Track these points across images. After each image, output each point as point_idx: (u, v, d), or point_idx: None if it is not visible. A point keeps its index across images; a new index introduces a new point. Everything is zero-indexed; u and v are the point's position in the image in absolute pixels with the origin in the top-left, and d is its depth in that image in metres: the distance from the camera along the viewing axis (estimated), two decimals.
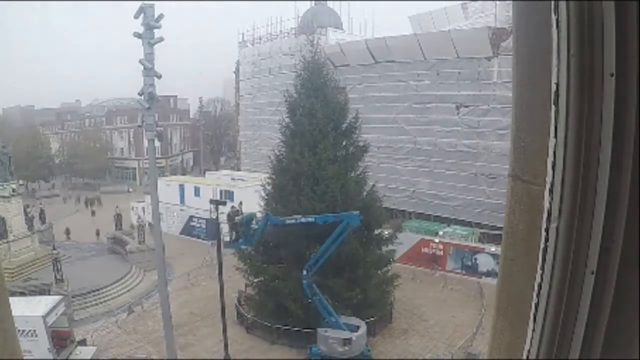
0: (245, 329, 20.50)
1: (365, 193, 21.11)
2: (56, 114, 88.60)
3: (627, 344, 1.02)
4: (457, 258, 26.66)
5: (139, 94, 14.50)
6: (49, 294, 21.58)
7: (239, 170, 50.41)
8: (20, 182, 45.46)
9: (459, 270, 26.39)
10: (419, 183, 33.04)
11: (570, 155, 1.06)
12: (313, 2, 48.98)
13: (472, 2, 39.74)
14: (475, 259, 25.88)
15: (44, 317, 16.14)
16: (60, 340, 17.57)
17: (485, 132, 29.77)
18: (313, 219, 16.44)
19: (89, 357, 17.54)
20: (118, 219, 35.45)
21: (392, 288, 21.05)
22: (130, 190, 60.65)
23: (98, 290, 24.98)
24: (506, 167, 1.48)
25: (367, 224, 20.16)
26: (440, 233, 28.80)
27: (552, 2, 1.07)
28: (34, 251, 28.65)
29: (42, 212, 40.19)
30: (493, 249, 24.61)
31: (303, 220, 16.56)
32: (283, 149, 20.76)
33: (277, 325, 19.07)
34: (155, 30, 13.89)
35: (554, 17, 1.07)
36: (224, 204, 19.38)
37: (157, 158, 29.13)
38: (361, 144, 21.15)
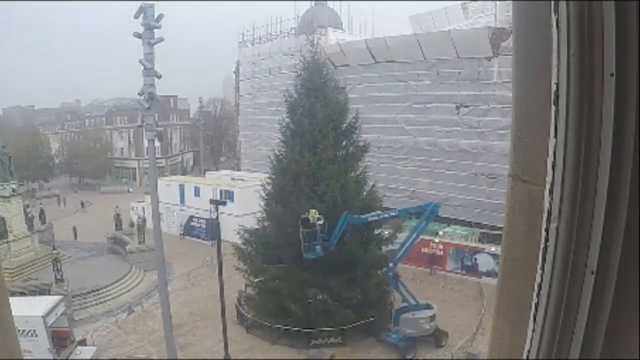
0: (245, 329, 20.49)
1: (365, 193, 21.11)
2: (56, 114, 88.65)
3: (627, 344, 1.02)
4: (457, 258, 26.64)
5: (139, 94, 14.50)
6: (49, 294, 21.57)
7: (239, 170, 50.43)
8: (20, 182, 45.46)
9: (459, 270, 26.38)
10: (419, 183, 33.02)
11: (570, 155, 1.06)
12: (313, 2, 48.99)
13: (472, 2, 39.74)
14: (475, 259, 25.87)
15: (44, 317, 16.14)
16: (60, 340, 17.57)
17: (485, 132, 29.75)
18: (395, 213, 18.77)
19: (89, 357, 17.53)
20: (118, 219, 35.46)
21: (392, 288, 21.02)
22: (130, 190, 60.66)
23: (98, 290, 24.98)
24: (506, 167, 1.48)
25: (367, 224, 20.20)
26: (440, 233, 28.78)
27: (552, 2, 1.07)
28: (34, 251, 28.64)
29: (42, 212, 40.23)
30: (493, 249, 24.60)
31: (386, 215, 18.54)
32: (283, 149, 20.77)
33: (277, 325, 19.07)
34: (155, 30, 13.89)
35: (554, 17, 1.07)
36: (224, 204, 19.40)
37: (157, 158, 29.15)
38: (361, 144, 21.16)
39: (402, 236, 23.93)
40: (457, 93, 30.69)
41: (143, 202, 38.83)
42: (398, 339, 18.44)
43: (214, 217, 18.56)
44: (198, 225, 35.53)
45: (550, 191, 1.13)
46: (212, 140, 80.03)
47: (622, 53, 0.94)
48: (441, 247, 27.16)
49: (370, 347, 19.09)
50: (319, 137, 19.29)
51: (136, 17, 13.83)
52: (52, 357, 16.31)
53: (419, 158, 33.11)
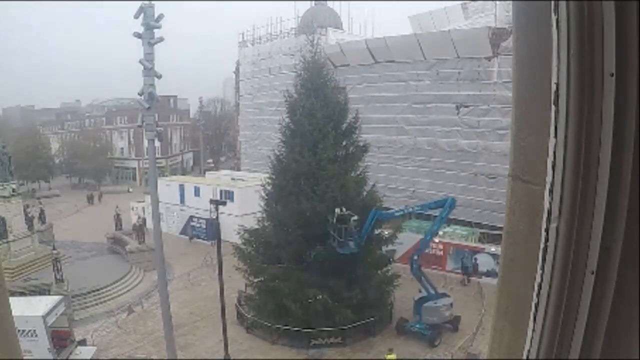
0: (245, 329, 20.49)
1: (365, 193, 21.11)
2: (56, 114, 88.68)
3: (627, 344, 1.02)
4: (457, 258, 26.64)
5: (139, 94, 14.49)
6: (49, 294, 21.57)
7: (239, 170, 50.43)
8: (20, 182, 45.46)
9: (459, 270, 26.37)
10: (419, 183, 33.01)
11: (570, 155, 1.06)
12: (313, 2, 49.00)
13: (472, 2, 39.74)
14: (475, 259, 25.87)
15: (44, 317, 16.13)
16: (60, 340, 17.57)
17: (485, 132, 29.75)
18: (418, 208, 20.84)
19: (89, 357, 17.53)
20: (118, 219, 35.47)
21: (392, 288, 21.04)
22: (130, 190, 60.66)
23: (98, 290, 24.98)
24: (506, 167, 1.48)
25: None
26: (440, 233, 28.76)
27: (552, 2, 1.07)
28: (34, 251, 28.63)
29: (42, 212, 40.25)
30: (493, 249, 24.59)
31: (410, 210, 20.51)
32: (283, 149, 20.75)
33: (277, 325, 19.06)
34: (155, 30, 13.89)
35: (554, 17, 1.07)
36: (224, 204, 19.39)
37: (157, 158, 29.15)
38: (361, 144, 21.14)
39: (402, 236, 24.02)
40: (457, 93, 30.69)
41: (143, 202, 38.83)
42: (423, 328, 19.39)
43: (214, 217, 18.55)
44: (198, 225, 35.53)
45: (550, 191, 1.13)
46: (212, 140, 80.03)
47: (622, 53, 0.94)
48: (441, 247, 27.14)
49: (370, 347, 19.09)
50: (319, 137, 19.28)
51: (136, 17, 13.82)
52: (52, 357, 16.31)
53: (419, 158, 33.10)
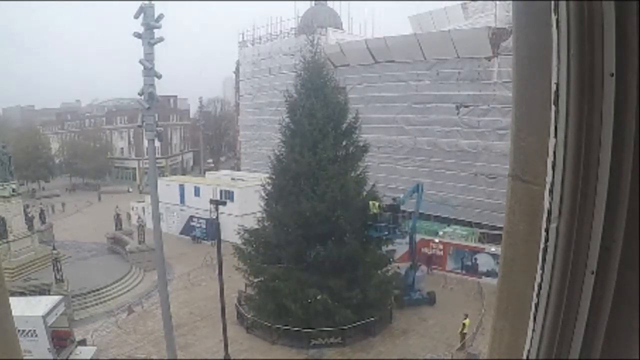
0: (245, 329, 20.49)
1: (365, 193, 21.11)
2: (56, 114, 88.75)
3: (627, 344, 1.02)
4: (457, 258, 26.64)
5: (139, 94, 14.48)
6: (49, 294, 21.57)
7: (239, 170, 50.43)
8: (20, 182, 45.46)
9: (459, 270, 26.38)
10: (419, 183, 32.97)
11: (570, 155, 1.06)
12: (313, 2, 49.01)
13: (472, 2, 39.73)
14: (475, 259, 25.87)
15: (44, 317, 16.14)
16: (60, 340, 17.57)
17: (485, 132, 29.75)
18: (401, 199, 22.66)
19: (89, 357, 17.53)
20: (118, 219, 35.47)
21: (392, 288, 21.04)
22: (130, 190, 60.69)
23: (98, 290, 24.98)
24: (506, 167, 1.48)
25: (367, 224, 20.20)
26: (440, 233, 28.78)
27: (552, 2, 1.07)
28: (34, 251, 28.64)
29: (42, 212, 40.25)
30: (493, 249, 24.59)
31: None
32: (283, 149, 20.75)
33: (277, 325, 19.06)
34: (155, 30, 13.88)
35: (554, 17, 1.07)
36: (224, 204, 19.39)
37: (157, 158, 29.14)
38: (361, 144, 21.14)
39: None
40: (457, 93, 30.68)
41: (143, 202, 38.85)
42: (420, 295, 22.21)
43: (214, 217, 18.55)
44: (198, 225, 35.53)
45: (550, 191, 1.13)
46: (212, 140, 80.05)
47: (622, 53, 0.94)
48: (441, 247, 27.15)
49: (370, 347, 19.09)
50: (319, 137, 19.28)
51: (136, 17, 13.81)
52: (52, 357, 16.31)
53: (419, 158, 33.10)
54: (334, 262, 18.46)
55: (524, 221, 1.40)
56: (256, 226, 21.88)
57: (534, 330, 1.20)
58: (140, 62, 14.05)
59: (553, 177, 1.12)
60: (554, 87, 1.10)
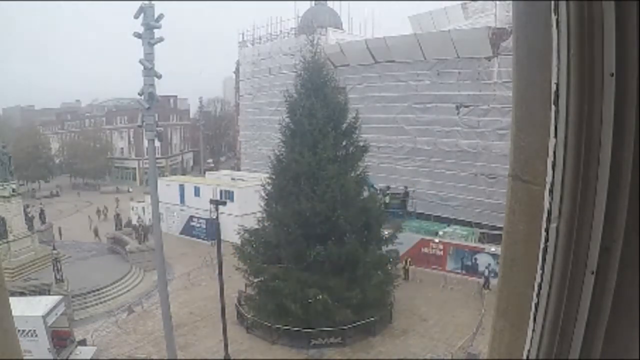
0: (245, 329, 20.49)
1: (365, 193, 21.12)
2: (56, 114, 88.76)
3: (627, 344, 1.02)
4: (457, 258, 26.64)
5: (139, 94, 14.47)
6: (49, 294, 21.57)
7: (239, 170, 50.43)
8: (20, 182, 45.46)
9: (459, 270, 26.37)
10: (419, 183, 33.02)
11: (570, 155, 1.06)
12: (313, 2, 49.01)
13: (472, 2, 39.73)
14: (475, 259, 25.86)
15: (44, 317, 16.14)
16: (60, 340, 17.58)
17: (485, 132, 29.75)
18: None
19: (89, 357, 17.54)
20: (118, 219, 35.48)
21: (392, 288, 21.04)
22: (130, 190, 60.69)
23: (98, 290, 24.98)
24: (506, 167, 1.48)
25: (367, 224, 20.20)
26: (440, 233, 28.78)
27: (552, 2, 1.07)
28: (34, 251, 28.64)
29: (42, 212, 40.27)
30: (493, 249, 24.59)
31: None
32: (283, 149, 20.74)
33: (277, 325, 19.06)
34: (155, 30, 13.88)
35: (554, 17, 1.07)
36: (224, 204, 19.39)
37: (157, 158, 29.14)
38: (361, 144, 21.13)
39: (402, 236, 24.04)
40: (457, 93, 30.68)
41: (143, 202, 38.85)
42: None
43: (214, 217, 18.55)
44: (198, 225, 35.53)
45: (550, 191, 1.13)
46: (212, 140, 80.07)
47: (622, 53, 0.94)
48: (441, 247, 27.15)
49: (370, 347, 19.09)
50: (319, 137, 19.27)
51: (136, 17, 13.81)
52: (52, 357, 16.31)
53: (419, 158, 33.10)
54: (334, 262, 18.46)
55: (524, 221, 1.40)
56: (256, 226, 21.88)
57: (534, 330, 1.20)
58: (140, 62, 14.05)
59: (553, 177, 1.12)
60: (554, 87, 1.10)
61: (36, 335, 15.85)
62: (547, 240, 1.14)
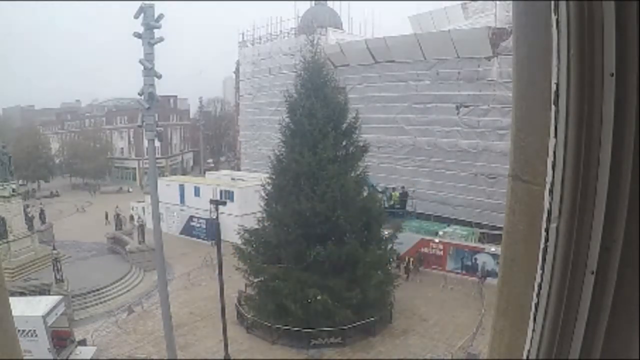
0: (245, 329, 20.49)
1: (365, 193, 21.12)
2: (56, 114, 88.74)
3: (627, 344, 1.02)
4: (457, 258, 26.64)
5: (139, 94, 14.48)
6: (49, 294, 21.56)
7: (239, 170, 50.43)
8: (21, 182, 45.46)
9: (459, 270, 26.37)
10: (419, 183, 33.02)
11: (570, 155, 1.06)
12: (313, 2, 49.01)
13: (472, 2, 39.72)
14: (475, 259, 25.87)
15: (44, 317, 16.14)
16: (60, 340, 17.57)
17: (485, 132, 29.75)
18: None
19: (89, 357, 17.53)
20: (118, 219, 35.48)
21: (392, 288, 21.04)
22: (130, 190, 60.70)
23: (98, 290, 24.97)
24: (506, 167, 1.48)
25: (367, 224, 20.21)
26: (440, 233, 28.78)
27: (552, 2, 1.07)
28: (34, 251, 28.64)
29: (42, 212, 40.26)
30: (493, 249, 24.59)
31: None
32: (283, 149, 20.74)
33: (277, 325, 19.07)
34: (155, 30, 13.88)
35: (554, 17, 1.07)
36: (224, 204, 19.39)
37: (157, 158, 29.12)
38: (361, 144, 21.13)
39: (402, 236, 24.05)
40: (457, 93, 30.68)
41: (143, 202, 38.85)
42: None
43: (214, 217, 18.55)
44: (198, 225, 35.53)
45: (550, 191, 1.13)
46: (212, 140, 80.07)
47: (622, 53, 0.94)
48: (441, 247, 27.15)
49: (370, 347, 19.09)
50: (319, 137, 19.27)
51: (136, 17, 13.81)
52: (52, 357, 16.31)
53: (419, 158, 33.10)
54: (334, 262, 18.45)
55: (524, 221, 1.40)
56: (256, 226, 21.88)
57: (534, 330, 1.20)
58: (140, 62, 14.05)
59: (553, 177, 1.12)
60: (554, 87, 1.10)
61: (36, 335, 15.84)
62: (547, 240, 1.14)
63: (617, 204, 0.99)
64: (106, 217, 40.87)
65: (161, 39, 14.00)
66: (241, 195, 32.47)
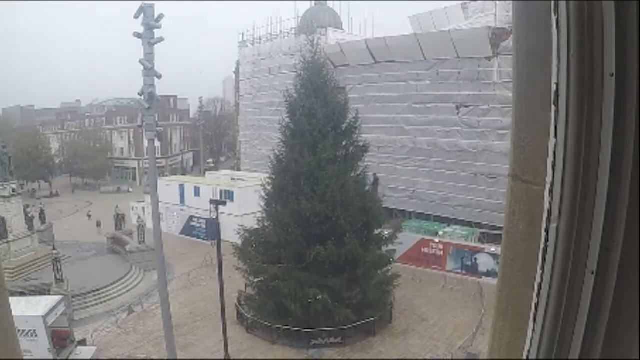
0: (245, 329, 20.49)
1: (365, 193, 21.12)
2: (56, 114, 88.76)
3: (627, 344, 1.02)
4: (457, 258, 26.64)
5: (139, 94, 14.47)
6: (49, 294, 21.56)
7: (239, 170, 50.44)
8: (21, 182, 45.46)
9: (459, 270, 26.38)
10: (419, 183, 33.03)
11: (570, 155, 1.06)
12: (313, 2, 49.01)
13: (472, 2, 39.71)
14: (475, 259, 25.87)
15: (44, 317, 16.13)
16: (60, 340, 17.57)
17: (485, 132, 29.76)
18: None
19: (89, 357, 17.53)
20: (118, 219, 35.47)
21: (392, 288, 21.05)
22: (130, 190, 60.70)
23: (98, 290, 24.96)
24: (506, 167, 1.48)
25: (367, 224, 20.21)
26: (440, 233, 28.79)
27: (552, 2, 1.07)
28: (34, 251, 28.63)
29: (42, 212, 40.24)
30: (493, 249, 24.59)
31: None
32: (283, 149, 20.74)
33: (277, 325, 19.07)
34: (155, 30, 13.88)
35: (554, 17, 1.07)
36: (224, 204, 19.40)
37: (157, 158, 29.13)
38: (361, 144, 21.13)
39: (402, 236, 24.04)
40: (457, 93, 30.69)
41: (143, 202, 38.84)
42: None
43: (214, 217, 18.55)
44: (198, 225, 35.53)
45: (550, 191, 1.13)
46: (212, 140, 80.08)
47: (622, 53, 0.94)
48: (441, 247, 27.15)
49: (370, 347, 19.09)
50: (319, 137, 19.27)
51: (136, 17, 13.81)
52: (52, 357, 16.30)
53: (419, 158, 33.11)
54: (334, 262, 18.45)
55: (524, 221, 1.40)
56: (256, 226, 21.88)
57: (534, 330, 1.20)
58: (140, 62, 14.04)
59: (553, 177, 1.12)
60: (554, 87, 1.10)
61: (36, 335, 15.84)
62: (547, 240, 1.14)
63: (617, 204, 0.99)
64: (98, 225, 39.07)
65: (161, 39, 14.00)
66: (241, 195, 32.46)
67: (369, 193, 21.40)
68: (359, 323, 18.93)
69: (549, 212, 1.13)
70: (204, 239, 34.16)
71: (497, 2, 30.69)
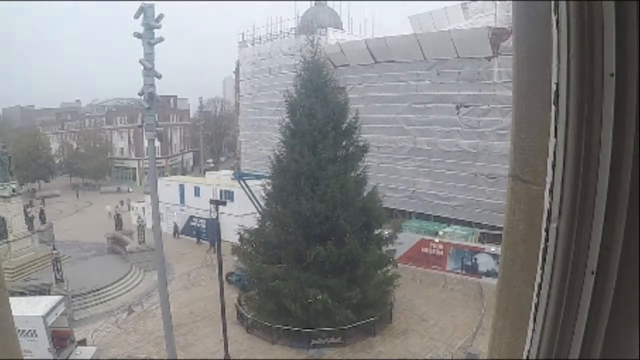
0: (245, 329, 20.49)
1: (365, 193, 21.12)
2: (56, 114, 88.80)
3: (627, 344, 1.02)
4: (457, 258, 26.64)
5: (139, 94, 14.47)
6: (49, 294, 21.56)
7: (239, 170, 50.41)
8: (21, 182, 45.42)
9: (459, 270, 26.38)
10: (419, 183, 33.02)
11: (570, 155, 1.06)
12: (313, 2, 49.00)
13: (472, 2, 39.71)
14: (475, 259, 25.87)
15: (44, 317, 16.12)
16: (60, 340, 17.56)
17: (485, 132, 29.75)
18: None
19: (89, 357, 17.52)
20: (118, 219, 35.47)
21: (392, 288, 21.05)
22: (130, 190, 60.70)
23: (98, 290, 24.96)
24: (506, 167, 1.48)
25: (367, 224, 20.21)
26: (440, 233, 28.78)
27: (552, 2, 1.07)
28: (34, 251, 28.63)
29: (42, 212, 40.27)
30: (493, 249, 24.59)
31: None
32: (283, 149, 20.74)
33: (277, 325, 19.07)
34: (155, 30, 13.88)
35: (554, 17, 1.07)
36: (224, 204, 19.40)
37: (157, 158, 29.13)
38: (361, 144, 21.13)
39: (402, 236, 24.03)
40: (457, 93, 30.68)
41: (143, 202, 38.84)
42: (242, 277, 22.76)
43: (214, 217, 18.55)
44: (198, 225, 35.52)
45: (550, 191, 1.13)
46: (212, 140, 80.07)
47: (622, 53, 0.94)
48: (441, 247, 27.15)
49: (370, 347, 19.09)
50: (319, 137, 19.27)
51: (136, 17, 13.81)
52: (52, 357, 16.30)
53: (419, 158, 33.10)
54: (334, 262, 18.45)
55: (524, 221, 1.40)
56: (256, 226, 21.88)
57: (534, 330, 1.20)
58: (140, 62, 14.05)
59: (553, 177, 1.12)
60: (554, 87, 1.10)
61: (36, 335, 15.83)
62: (547, 240, 1.14)
63: (617, 204, 0.99)
64: (116, 218, 38.83)
65: (161, 39, 14.00)
66: (241, 195, 32.40)
67: (369, 193, 21.40)
68: (359, 323, 18.93)
69: (549, 212, 1.14)
70: (204, 239, 34.13)
71: (497, 2, 30.68)
